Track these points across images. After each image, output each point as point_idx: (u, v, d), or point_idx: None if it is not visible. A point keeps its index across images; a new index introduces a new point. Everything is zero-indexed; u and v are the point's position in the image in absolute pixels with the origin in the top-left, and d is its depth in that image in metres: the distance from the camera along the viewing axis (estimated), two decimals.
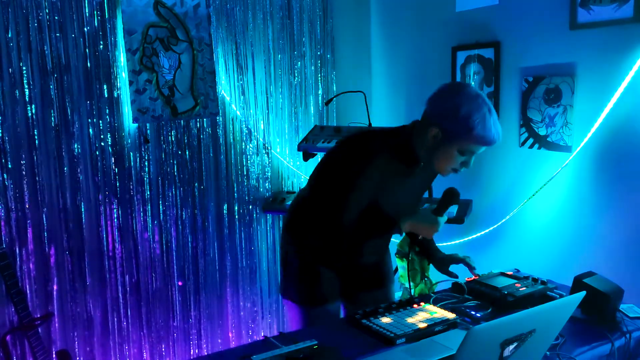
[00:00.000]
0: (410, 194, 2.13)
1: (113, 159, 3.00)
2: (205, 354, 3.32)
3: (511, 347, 1.32)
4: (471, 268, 2.18)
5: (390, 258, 2.36)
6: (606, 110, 2.57)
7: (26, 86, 2.72)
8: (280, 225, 3.59)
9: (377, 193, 1.95)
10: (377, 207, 1.97)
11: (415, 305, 1.99)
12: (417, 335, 1.76)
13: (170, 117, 3.11)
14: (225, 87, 3.33)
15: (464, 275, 2.21)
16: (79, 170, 2.90)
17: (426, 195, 3.22)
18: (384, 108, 3.84)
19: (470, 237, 3.29)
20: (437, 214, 1.95)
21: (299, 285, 2.14)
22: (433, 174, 2.11)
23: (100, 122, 2.94)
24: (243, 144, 3.44)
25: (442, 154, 1.90)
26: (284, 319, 3.68)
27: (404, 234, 2.48)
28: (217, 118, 3.30)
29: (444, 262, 2.22)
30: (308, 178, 2.18)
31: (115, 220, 3.04)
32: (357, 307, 2.22)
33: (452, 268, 2.23)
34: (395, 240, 3.26)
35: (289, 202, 3.24)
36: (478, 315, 1.93)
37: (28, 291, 2.82)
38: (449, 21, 3.33)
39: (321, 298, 2.11)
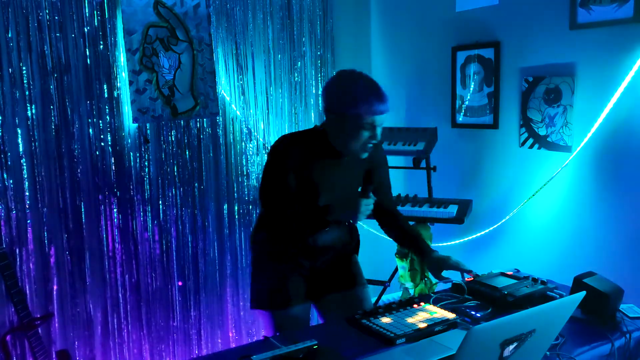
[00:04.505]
0: (345, 186, 2.14)
1: (113, 159, 3.00)
2: (205, 354, 3.32)
3: (511, 347, 1.32)
4: (468, 272, 2.16)
5: (356, 259, 2.35)
6: (606, 110, 2.58)
7: (26, 86, 2.72)
8: None
9: (304, 189, 2.06)
10: (311, 201, 2.07)
11: (415, 305, 1.99)
12: (417, 335, 1.76)
13: (170, 117, 3.11)
14: (225, 87, 3.33)
15: (456, 278, 2.20)
16: (79, 170, 2.90)
17: (426, 195, 3.24)
18: None
19: (470, 237, 3.29)
20: (362, 195, 2.01)
21: (264, 290, 2.18)
22: (365, 163, 2.13)
23: (100, 122, 2.94)
24: (243, 144, 3.44)
25: (348, 135, 2.00)
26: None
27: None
28: (217, 118, 3.30)
29: (437, 266, 2.17)
30: None
31: (115, 220, 3.04)
32: (329, 309, 2.24)
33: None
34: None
35: None
36: (478, 315, 1.93)
37: (28, 291, 2.81)
38: (449, 21, 3.33)
39: (286, 300, 2.14)
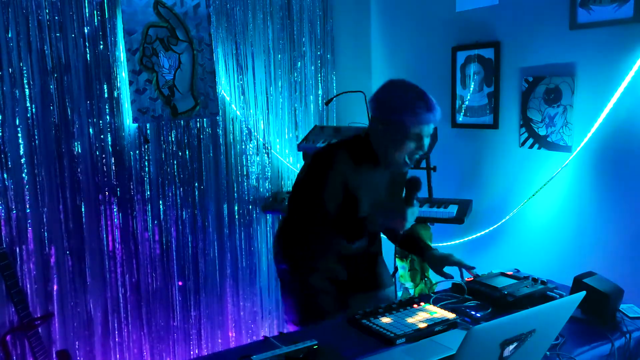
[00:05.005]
0: (383, 194, 2.13)
1: (113, 159, 3.00)
2: (205, 354, 3.32)
3: (511, 347, 1.32)
4: (469, 268, 2.16)
5: (383, 260, 2.35)
6: (606, 110, 2.58)
7: (26, 86, 2.72)
8: None
9: (349, 199, 2.02)
10: (352, 212, 2.03)
11: (415, 305, 1.99)
12: (417, 335, 1.76)
13: (170, 117, 3.11)
14: (225, 87, 3.33)
15: (456, 277, 2.20)
16: (79, 170, 2.90)
17: (426, 195, 3.24)
18: None
19: (470, 237, 3.29)
20: (407, 204, 1.96)
21: (298, 307, 2.16)
22: (403, 171, 2.12)
23: (100, 122, 2.94)
24: (243, 144, 3.44)
25: (393, 145, 1.97)
26: (283, 318, 3.67)
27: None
28: (217, 118, 3.30)
29: (438, 262, 2.19)
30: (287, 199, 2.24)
31: (115, 220, 3.04)
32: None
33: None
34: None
35: None
36: (478, 315, 1.93)
37: (28, 291, 2.81)
38: (449, 21, 3.33)
39: (321, 318, 2.11)
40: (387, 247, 3.41)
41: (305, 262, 2.15)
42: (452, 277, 2.16)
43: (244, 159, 3.46)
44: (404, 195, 2.02)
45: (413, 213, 1.95)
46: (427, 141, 1.98)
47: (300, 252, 2.15)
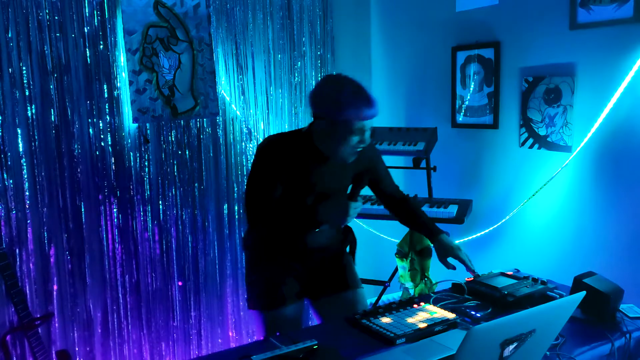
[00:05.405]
0: (332, 189, 2.13)
1: (113, 159, 3.00)
2: (205, 354, 3.32)
3: (511, 347, 1.32)
4: (471, 270, 2.16)
5: (351, 261, 2.34)
6: (606, 110, 2.58)
7: (26, 86, 2.72)
8: None
9: (295, 190, 2.05)
10: (302, 204, 2.07)
11: (415, 305, 1.99)
12: (417, 335, 1.77)
13: (170, 117, 3.11)
14: (225, 87, 3.34)
15: (462, 273, 2.20)
16: (79, 170, 2.90)
17: (426, 195, 3.24)
18: (384, 108, 3.81)
19: (470, 237, 3.29)
20: (350, 199, 2.00)
21: (255, 290, 2.19)
22: (354, 166, 2.12)
23: (100, 122, 2.94)
24: (243, 144, 3.44)
25: (337, 140, 1.98)
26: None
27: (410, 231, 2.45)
28: (217, 118, 3.30)
29: (444, 251, 2.18)
30: None
31: (115, 220, 3.04)
32: (324, 310, 2.25)
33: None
34: (395, 240, 3.26)
35: None
36: (478, 315, 1.93)
37: (28, 291, 2.81)
38: (449, 21, 3.33)
39: (275, 301, 2.13)
40: (388, 247, 3.41)
41: (262, 250, 2.18)
42: (454, 268, 2.15)
43: (244, 159, 3.46)
44: (349, 190, 2.06)
45: (356, 208, 1.99)
46: (368, 134, 1.99)
47: (256, 240, 2.19)
